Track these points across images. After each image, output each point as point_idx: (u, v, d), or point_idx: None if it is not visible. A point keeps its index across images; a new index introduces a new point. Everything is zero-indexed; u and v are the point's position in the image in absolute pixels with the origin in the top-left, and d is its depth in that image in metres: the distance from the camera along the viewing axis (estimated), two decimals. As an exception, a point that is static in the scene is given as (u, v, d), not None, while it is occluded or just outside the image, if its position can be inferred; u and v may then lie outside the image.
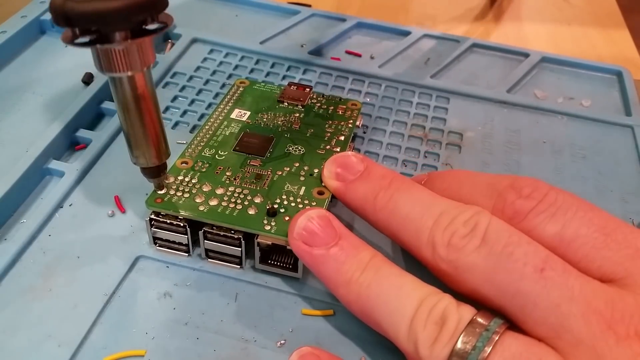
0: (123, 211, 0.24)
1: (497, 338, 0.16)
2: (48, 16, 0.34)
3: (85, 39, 0.17)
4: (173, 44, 0.34)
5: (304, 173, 0.24)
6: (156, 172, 0.22)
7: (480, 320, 0.17)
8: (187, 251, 0.23)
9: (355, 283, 0.19)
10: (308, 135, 0.26)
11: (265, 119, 0.27)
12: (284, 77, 0.33)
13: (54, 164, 0.26)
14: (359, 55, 0.35)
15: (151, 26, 0.18)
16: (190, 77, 0.32)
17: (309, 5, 0.40)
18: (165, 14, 0.18)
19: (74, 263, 0.22)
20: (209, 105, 0.30)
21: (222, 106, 0.27)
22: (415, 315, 0.17)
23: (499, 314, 0.17)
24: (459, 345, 0.16)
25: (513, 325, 0.17)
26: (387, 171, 0.22)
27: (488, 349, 0.16)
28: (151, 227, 0.22)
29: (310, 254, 0.20)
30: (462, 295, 0.18)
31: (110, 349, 0.20)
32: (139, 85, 0.19)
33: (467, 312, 0.17)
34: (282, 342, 0.20)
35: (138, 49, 0.18)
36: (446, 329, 0.17)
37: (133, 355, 0.20)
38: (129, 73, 0.18)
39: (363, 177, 0.21)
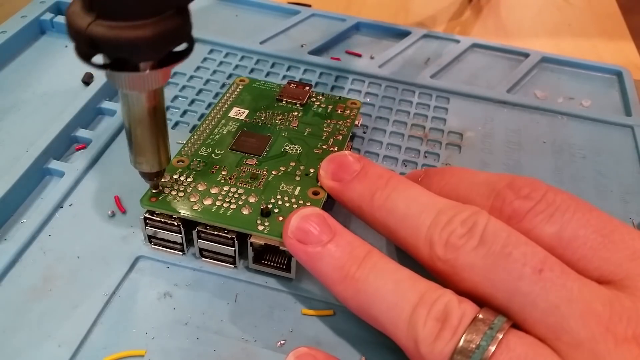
0: (123, 211, 0.24)
1: (501, 337, 0.16)
2: (48, 16, 0.34)
3: (106, 62, 0.16)
4: (173, 44, 0.34)
5: (299, 173, 0.24)
6: (155, 176, 0.22)
7: (483, 317, 0.17)
8: (182, 250, 0.23)
9: (351, 279, 0.19)
10: (306, 134, 0.26)
11: (263, 118, 0.27)
12: (283, 77, 0.33)
13: (54, 164, 0.26)
14: (359, 55, 0.35)
15: (177, 48, 0.17)
16: (190, 77, 0.32)
17: (309, 5, 0.40)
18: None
19: (74, 263, 0.22)
20: (209, 105, 0.30)
21: (220, 104, 0.27)
22: (415, 311, 0.17)
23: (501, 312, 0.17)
24: (462, 343, 0.16)
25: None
26: (384, 170, 0.21)
27: (492, 348, 0.16)
28: (146, 226, 0.22)
29: (305, 251, 0.19)
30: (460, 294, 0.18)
31: (110, 349, 0.20)
32: (151, 101, 0.19)
33: (470, 308, 0.17)
34: (282, 342, 0.20)
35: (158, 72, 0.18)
36: (448, 325, 0.16)
37: (133, 355, 0.20)
38: (144, 92, 0.18)
39: (360, 177, 0.21)
